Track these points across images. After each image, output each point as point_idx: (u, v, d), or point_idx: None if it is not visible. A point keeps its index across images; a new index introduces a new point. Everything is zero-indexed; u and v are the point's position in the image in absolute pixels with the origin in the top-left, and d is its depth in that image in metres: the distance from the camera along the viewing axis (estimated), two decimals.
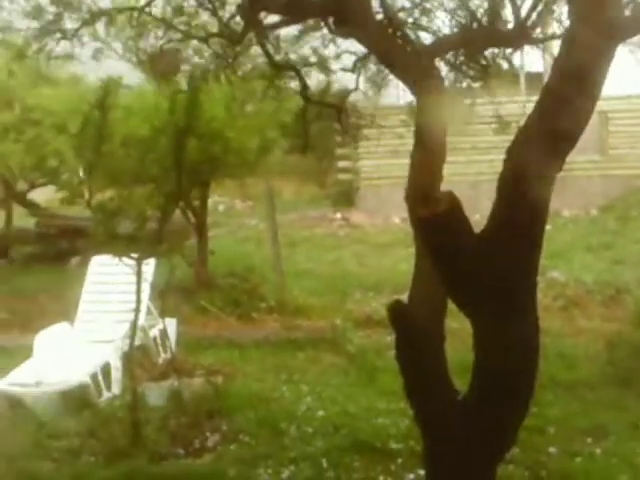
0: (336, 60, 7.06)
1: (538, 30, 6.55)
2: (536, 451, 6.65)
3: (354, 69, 6.81)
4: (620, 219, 18.01)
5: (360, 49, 6.35)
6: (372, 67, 7.00)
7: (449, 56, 6.55)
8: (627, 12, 4.68)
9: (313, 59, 7.06)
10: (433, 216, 4.21)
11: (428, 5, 6.51)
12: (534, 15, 6.14)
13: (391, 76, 6.48)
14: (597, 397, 7.90)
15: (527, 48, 7.45)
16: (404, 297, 5.22)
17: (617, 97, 18.53)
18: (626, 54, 7.33)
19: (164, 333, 9.27)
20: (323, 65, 7.12)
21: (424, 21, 6.65)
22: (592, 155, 19.62)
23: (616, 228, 17.23)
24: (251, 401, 7.96)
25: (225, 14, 6.44)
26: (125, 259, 6.93)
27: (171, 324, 9.48)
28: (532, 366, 4.65)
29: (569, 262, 13.60)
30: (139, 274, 7.02)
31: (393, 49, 5.40)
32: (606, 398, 7.85)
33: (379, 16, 5.65)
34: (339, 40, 6.57)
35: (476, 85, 7.40)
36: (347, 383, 8.74)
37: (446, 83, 6.38)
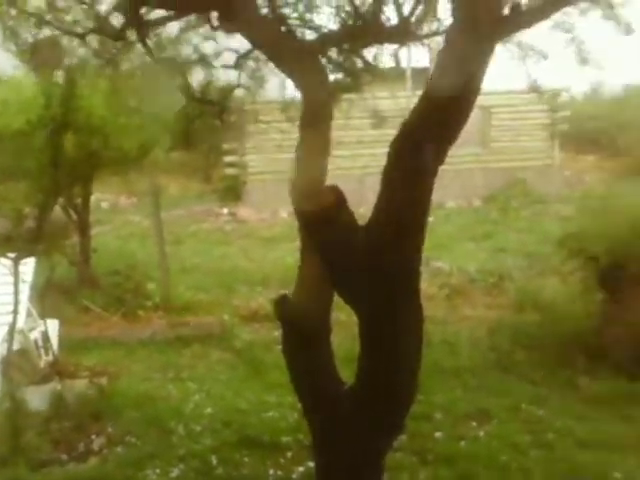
0: (216, 58, 6.95)
1: (424, 26, 6.65)
2: (423, 437, 6.78)
3: (237, 66, 6.74)
4: (501, 210, 18.60)
5: (241, 46, 6.28)
6: (255, 63, 6.93)
7: (335, 51, 6.56)
8: (506, 11, 4.79)
9: (195, 56, 6.92)
10: (318, 210, 4.21)
11: (313, 0, 6.49)
12: (417, 12, 6.22)
13: (276, 70, 6.43)
14: (480, 382, 8.12)
15: (413, 44, 7.54)
16: (291, 291, 5.21)
17: (499, 92, 19.09)
18: (509, 50, 7.53)
19: (45, 335, 8.95)
20: (205, 62, 7.00)
21: (309, 16, 6.63)
22: (475, 148, 20.18)
23: (498, 218, 17.78)
24: (138, 401, 7.80)
25: (104, 9, 6.23)
26: (1, 259, 6.66)
27: (53, 325, 9.17)
28: (417, 354, 4.71)
29: (453, 252, 13.94)
30: (16, 275, 6.76)
31: (279, 44, 5.37)
32: (488, 383, 8.09)
33: (264, 11, 5.62)
34: (220, 37, 6.48)
35: (362, 80, 7.45)
36: (236, 379, 8.69)
37: (332, 78, 6.40)
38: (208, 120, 7.98)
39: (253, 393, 8.06)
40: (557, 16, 6.94)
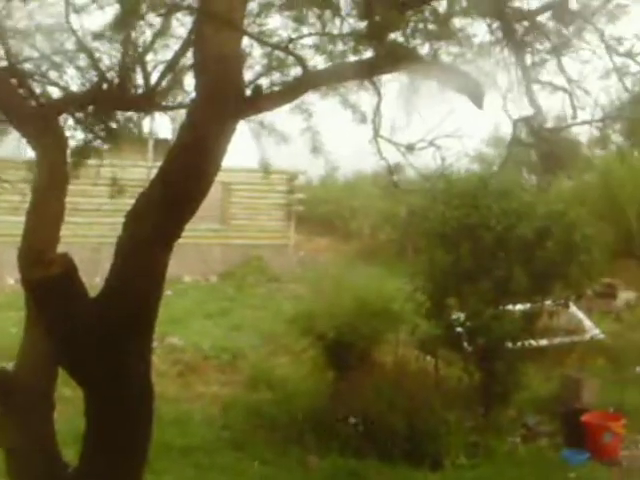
0: None
1: (169, 97, 6.64)
2: None
3: None
4: (238, 286, 18.78)
5: None
6: None
7: (76, 114, 6.36)
8: (248, 92, 4.90)
9: None
10: (46, 278, 3.97)
11: (57, 59, 6.27)
12: (163, 83, 6.21)
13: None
14: (212, 461, 7.96)
15: (158, 114, 7.50)
16: (12, 364, 4.85)
17: (239, 169, 19.51)
18: (251, 130, 7.71)
19: None
20: None
21: (52, 75, 6.39)
22: (214, 224, 20.37)
23: (234, 295, 17.91)
24: None
25: None
26: None
27: None
28: (146, 433, 4.54)
29: (188, 328, 13.74)
30: None
31: (13, 100, 5.11)
32: (221, 462, 7.95)
33: (2, 63, 5.34)
34: None
35: (104, 146, 7.28)
36: None
37: (71, 142, 6.17)
38: None
39: None
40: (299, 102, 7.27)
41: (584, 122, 9.94)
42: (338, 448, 7.95)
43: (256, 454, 8.17)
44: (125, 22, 5.51)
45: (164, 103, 6.64)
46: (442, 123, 8.82)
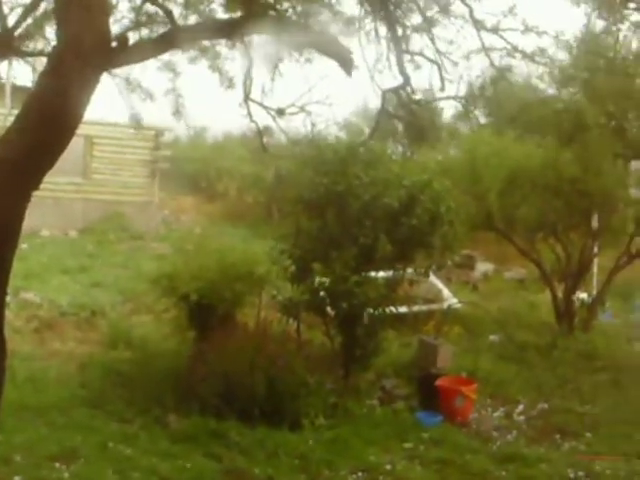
0: None
1: (29, 43, 6.35)
2: None
3: None
4: (98, 243, 18.29)
5: None
6: None
7: None
8: (114, 44, 4.72)
9: None
10: None
11: None
12: (22, 28, 5.93)
13: None
14: (67, 420, 7.73)
15: (16, 59, 7.17)
16: None
17: (103, 123, 18.94)
18: (117, 84, 7.49)
19: None
20: None
21: None
22: (75, 178, 19.73)
23: (94, 251, 17.42)
24: None
25: None
26: None
27: None
28: None
29: (45, 283, 13.27)
30: None
31: None
32: (77, 420, 7.74)
33: None
34: None
35: None
36: None
37: None
38: None
39: None
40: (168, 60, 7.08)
41: (449, 97, 10.24)
42: (198, 408, 7.91)
43: (114, 413, 8.02)
44: None
45: (23, 49, 6.36)
46: (312, 90, 8.88)
